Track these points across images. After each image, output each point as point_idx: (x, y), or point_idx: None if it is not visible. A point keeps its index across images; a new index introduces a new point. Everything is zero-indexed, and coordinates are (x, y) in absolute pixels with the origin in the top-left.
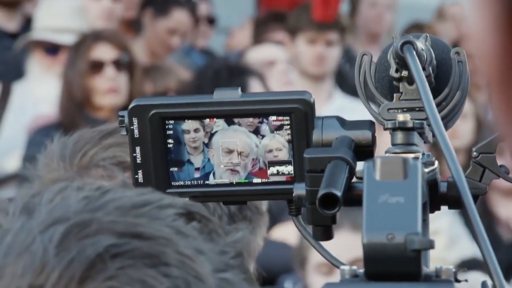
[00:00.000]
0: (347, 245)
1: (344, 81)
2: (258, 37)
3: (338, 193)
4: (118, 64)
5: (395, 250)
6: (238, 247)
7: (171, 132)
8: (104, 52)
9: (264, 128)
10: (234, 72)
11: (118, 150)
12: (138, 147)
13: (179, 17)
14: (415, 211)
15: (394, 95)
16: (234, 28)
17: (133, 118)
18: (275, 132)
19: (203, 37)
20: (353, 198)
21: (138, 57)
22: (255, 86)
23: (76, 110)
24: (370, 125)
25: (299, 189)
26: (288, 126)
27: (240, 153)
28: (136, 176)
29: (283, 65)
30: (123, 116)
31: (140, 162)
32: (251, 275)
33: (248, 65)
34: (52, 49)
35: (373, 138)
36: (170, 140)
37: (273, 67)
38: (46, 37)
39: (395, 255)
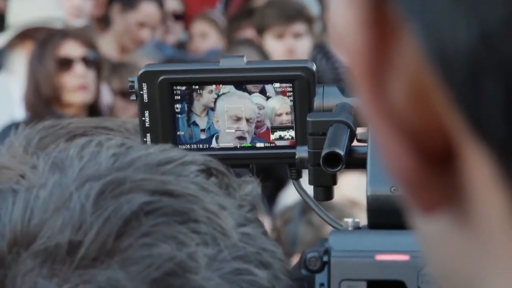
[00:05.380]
0: None
1: (320, 76)
2: (230, 34)
3: (341, 152)
4: (86, 61)
5: (399, 201)
6: (251, 201)
7: (179, 97)
8: (72, 49)
9: (270, 89)
10: None
11: None
12: (147, 111)
13: (147, 9)
14: None
15: None
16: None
17: (143, 84)
18: (280, 95)
19: (172, 32)
20: (353, 160)
21: (108, 52)
22: None
23: (44, 107)
24: None
25: (302, 152)
26: (291, 93)
27: (247, 120)
28: (145, 139)
29: None
30: (133, 81)
31: (148, 126)
32: (266, 228)
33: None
34: None
35: None
36: (177, 105)
37: None
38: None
39: (399, 206)
